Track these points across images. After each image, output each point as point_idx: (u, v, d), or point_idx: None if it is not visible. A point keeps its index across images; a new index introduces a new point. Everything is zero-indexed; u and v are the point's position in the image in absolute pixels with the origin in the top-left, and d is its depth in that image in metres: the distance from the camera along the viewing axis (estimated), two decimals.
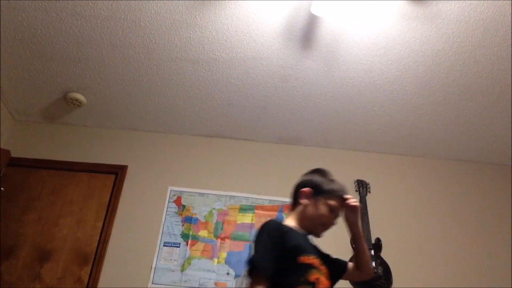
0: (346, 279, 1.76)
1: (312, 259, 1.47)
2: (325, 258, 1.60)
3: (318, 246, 1.66)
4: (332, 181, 1.69)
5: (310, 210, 1.63)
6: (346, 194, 1.68)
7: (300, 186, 1.69)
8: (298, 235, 1.56)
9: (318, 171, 1.73)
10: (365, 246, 1.74)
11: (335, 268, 1.66)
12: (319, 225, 1.61)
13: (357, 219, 1.70)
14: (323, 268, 1.49)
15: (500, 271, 3.04)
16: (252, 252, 1.45)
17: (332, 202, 1.62)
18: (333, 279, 1.61)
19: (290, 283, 1.40)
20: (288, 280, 1.41)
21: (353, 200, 1.67)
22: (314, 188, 1.65)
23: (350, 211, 1.68)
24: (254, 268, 1.40)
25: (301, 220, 1.63)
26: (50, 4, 2.44)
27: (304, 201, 1.65)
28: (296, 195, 1.69)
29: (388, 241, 3.06)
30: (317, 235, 1.64)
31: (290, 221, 1.64)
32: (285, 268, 1.43)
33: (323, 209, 1.61)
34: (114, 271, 2.92)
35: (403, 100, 2.97)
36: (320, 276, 1.46)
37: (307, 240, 1.60)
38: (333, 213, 1.62)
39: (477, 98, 2.88)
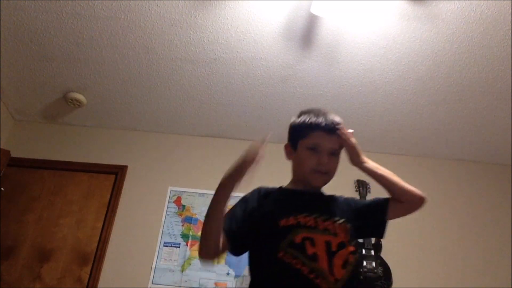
0: (394, 217, 1.50)
1: (294, 220, 1.24)
2: (344, 213, 1.34)
3: (335, 200, 1.42)
4: (307, 113, 1.41)
5: (295, 162, 1.41)
6: (326, 122, 1.38)
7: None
8: (282, 196, 1.37)
9: (299, 114, 1.44)
10: (385, 171, 1.48)
11: (366, 216, 1.43)
12: (309, 174, 1.35)
13: (354, 150, 1.44)
14: (324, 224, 1.25)
15: (500, 271, 3.04)
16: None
17: (309, 141, 1.35)
18: (367, 229, 1.43)
19: (268, 251, 1.22)
20: (265, 248, 1.24)
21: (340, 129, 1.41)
22: (289, 138, 1.43)
23: (343, 142, 1.41)
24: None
25: (294, 176, 1.43)
26: (50, 4, 2.44)
27: (288, 158, 1.44)
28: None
29: (388, 241, 3.06)
30: (317, 184, 1.38)
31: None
32: (264, 237, 1.26)
33: (303, 155, 1.36)
34: (114, 271, 2.92)
35: (403, 100, 2.97)
36: (312, 235, 1.22)
37: (298, 198, 1.35)
38: (317, 153, 1.34)
39: (477, 98, 2.88)
